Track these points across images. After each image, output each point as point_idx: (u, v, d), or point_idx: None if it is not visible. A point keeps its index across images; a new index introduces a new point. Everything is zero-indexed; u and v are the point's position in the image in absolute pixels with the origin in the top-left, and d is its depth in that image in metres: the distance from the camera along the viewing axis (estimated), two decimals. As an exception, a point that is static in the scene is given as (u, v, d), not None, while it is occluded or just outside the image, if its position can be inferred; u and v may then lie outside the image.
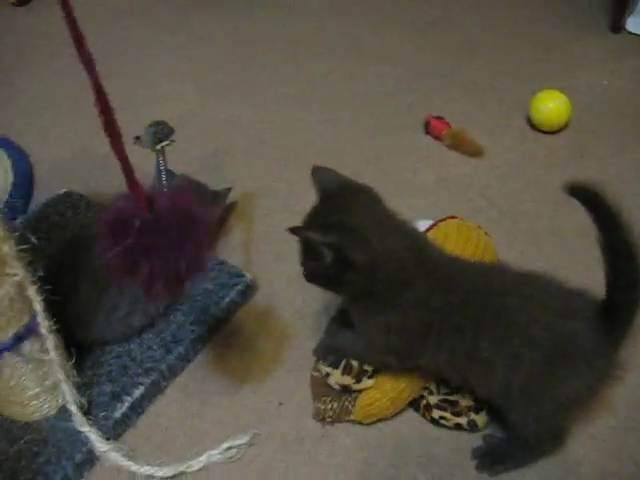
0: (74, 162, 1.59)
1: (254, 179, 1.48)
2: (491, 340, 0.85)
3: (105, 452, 0.95)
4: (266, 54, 2.00)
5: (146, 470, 0.95)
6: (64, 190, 1.42)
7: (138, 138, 0.96)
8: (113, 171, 1.42)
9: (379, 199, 0.90)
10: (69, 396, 0.93)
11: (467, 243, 1.05)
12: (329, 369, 1.00)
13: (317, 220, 0.88)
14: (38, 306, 0.86)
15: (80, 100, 1.75)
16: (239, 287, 1.17)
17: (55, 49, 1.94)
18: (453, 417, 0.98)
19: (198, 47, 2.07)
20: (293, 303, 1.19)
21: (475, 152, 1.52)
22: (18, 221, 1.33)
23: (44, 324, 0.87)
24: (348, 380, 0.98)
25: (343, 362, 0.99)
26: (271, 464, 0.97)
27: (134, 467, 0.95)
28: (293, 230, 0.83)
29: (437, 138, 1.56)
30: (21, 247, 0.83)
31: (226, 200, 1.29)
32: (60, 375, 0.92)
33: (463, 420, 0.98)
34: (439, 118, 1.57)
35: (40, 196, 1.48)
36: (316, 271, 0.89)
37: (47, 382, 0.96)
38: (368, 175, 1.43)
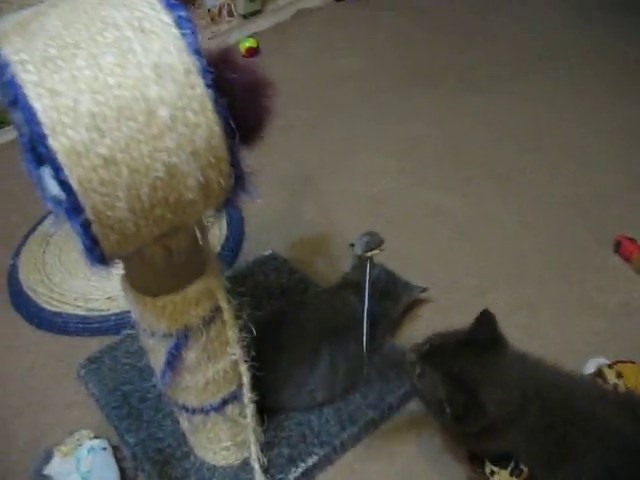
0: (281, 222, 1.72)
1: (447, 271, 1.54)
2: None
3: (276, 509, 1.07)
4: (475, 137, 2.01)
5: (307, 536, 1.06)
6: (270, 251, 1.58)
7: (352, 245, 1.10)
8: (316, 238, 1.57)
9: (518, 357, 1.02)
10: (254, 455, 1.07)
11: None
12: (496, 468, 1.04)
13: (453, 364, 0.98)
14: (245, 380, 1.00)
15: (292, 165, 1.90)
16: (415, 379, 1.25)
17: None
18: None
19: (407, 122, 2.12)
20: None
21: (665, 283, 1.47)
22: (225, 274, 1.45)
23: (247, 395, 1.02)
24: None
25: (512, 463, 1.03)
26: None
27: (299, 529, 1.07)
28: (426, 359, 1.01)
29: (627, 260, 1.53)
30: (243, 335, 0.97)
31: (416, 295, 1.39)
32: (252, 437, 1.05)
33: None
34: (632, 240, 1.54)
35: (247, 249, 1.65)
36: (425, 398, 1.03)
37: (238, 438, 1.11)
38: (550, 286, 1.49)
